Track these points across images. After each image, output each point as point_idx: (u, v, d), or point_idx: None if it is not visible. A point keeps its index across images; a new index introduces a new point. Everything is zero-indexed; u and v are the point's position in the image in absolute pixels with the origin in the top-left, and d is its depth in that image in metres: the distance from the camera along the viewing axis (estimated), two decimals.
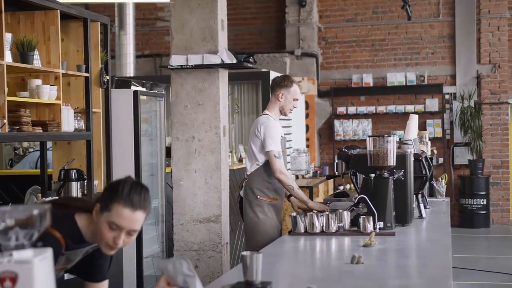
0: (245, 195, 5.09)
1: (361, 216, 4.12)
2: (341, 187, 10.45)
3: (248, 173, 5.14)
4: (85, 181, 5.58)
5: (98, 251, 2.69)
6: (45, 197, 4.91)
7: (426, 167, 4.94)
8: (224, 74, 5.52)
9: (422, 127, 11.92)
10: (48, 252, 1.81)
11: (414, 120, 5.53)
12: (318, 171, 10.38)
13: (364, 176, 4.44)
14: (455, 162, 12.39)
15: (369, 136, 4.39)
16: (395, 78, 12.42)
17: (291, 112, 5.29)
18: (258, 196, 5.04)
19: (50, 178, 5.65)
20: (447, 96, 12.43)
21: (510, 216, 12.39)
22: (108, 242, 2.52)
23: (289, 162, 9.63)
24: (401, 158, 4.45)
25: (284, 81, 5.17)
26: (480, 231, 11.73)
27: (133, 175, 6.19)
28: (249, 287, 2.57)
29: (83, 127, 5.58)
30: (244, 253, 2.63)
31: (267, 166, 5.03)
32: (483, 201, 11.93)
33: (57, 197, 5.36)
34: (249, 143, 5.14)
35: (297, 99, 5.19)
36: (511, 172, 12.39)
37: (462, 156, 12.28)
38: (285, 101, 5.15)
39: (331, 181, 10.47)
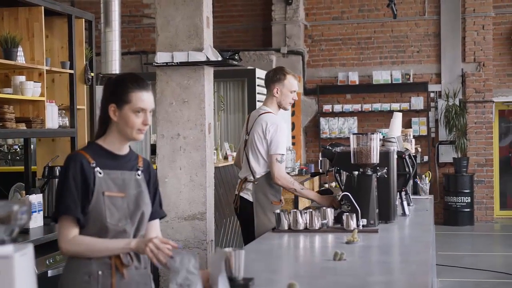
0: (257, 200, 4.86)
1: (344, 214, 4.14)
2: (326, 185, 10.48)
3: (257, 176, 4.86)
4: None
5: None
6: (29, 194, 4.88)
7: (410, 165, 4.95)
8: (209, 72, 5.51)
9: (407, 125, 11.98)
10: (29, 248, 1.82)
11: (398, 118, 5.56)
12: (304, 169, 10.40)
13: (347, 173, 4.46)
14: (440, 160, 12.46)
15: (353, 134, 4.40)
16: (381, 76, 12.47)
17: (290, 105, 5.05)
18: (272, 202, 4.87)
19: (34, 175, 5.64)
20: (432, 95, 12.49)
21: (494, 214, 12.48)
22: (139, 127, 2.86)
23: None
24: (385, 155, 4.46)
25: (277, 75, 4.92)
26: (464, 229, 11.81)
27: None
28: (232, 283, 2.59)
29: (68, 124, 5.56)
30: (227, 249, 2.65)
31: None
32: (467, 199, 12.00)
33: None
34: (255, 144, 4.88)
35: (294, 91, 4.94)
36: (495, 170, 12.48)
37: (447, 154, 12.34)
38: (281, 96, 4.92)
39: (316, 179, 10.50)
